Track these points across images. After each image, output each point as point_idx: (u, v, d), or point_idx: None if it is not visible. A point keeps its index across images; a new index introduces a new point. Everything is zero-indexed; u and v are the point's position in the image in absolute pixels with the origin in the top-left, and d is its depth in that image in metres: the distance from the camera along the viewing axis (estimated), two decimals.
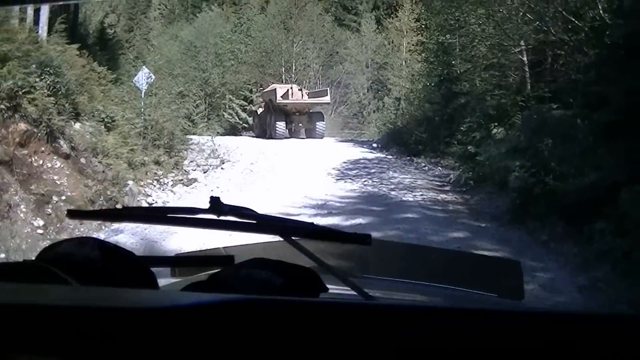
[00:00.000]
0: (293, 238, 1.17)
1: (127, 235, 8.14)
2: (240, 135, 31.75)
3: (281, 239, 1.18)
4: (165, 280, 1.27)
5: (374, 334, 0.66)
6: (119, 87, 15.90)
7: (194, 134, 21.26)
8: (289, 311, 0.70)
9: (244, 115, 35.10)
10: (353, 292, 1.10)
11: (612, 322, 0.69)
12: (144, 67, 16.80)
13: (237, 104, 35.90)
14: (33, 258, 1.02)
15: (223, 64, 38.84)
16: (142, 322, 0.64)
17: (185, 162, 16.24)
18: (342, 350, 0.65)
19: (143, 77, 15.44)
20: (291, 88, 27.33)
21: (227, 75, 38.52)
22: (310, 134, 27.31)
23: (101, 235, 8.08)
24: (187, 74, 37.54)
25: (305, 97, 27.69)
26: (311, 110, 27.83)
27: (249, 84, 37.14)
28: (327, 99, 27.75)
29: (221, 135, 26.90)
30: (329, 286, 1.03)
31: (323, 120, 27.96)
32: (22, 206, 8.64)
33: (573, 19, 11.12)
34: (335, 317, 0.69)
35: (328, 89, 29.51)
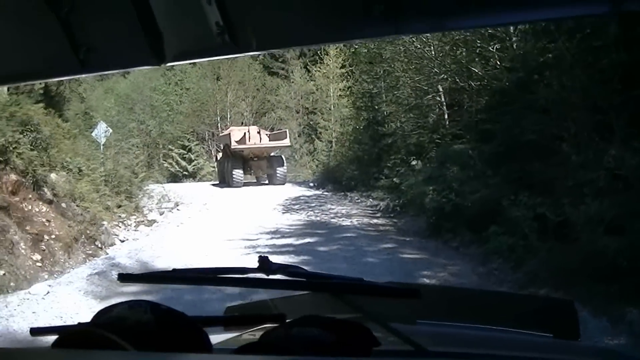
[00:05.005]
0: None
1: (124, 258, 9.78)
2: (182, 182, 32.67)
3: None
4: (217, 336, 1.30)
5: None
6: (79, 141, 17.30)
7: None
8: None
9: (183, 163, 36.16)
10: (407, 346, 1.11)
11: None
12: (101, 122, 18.33)
13: (177, 153, 36.88)
14: (88, 320, 1.07)
15: (159, 115, 39.97)
16: None
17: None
18: None
19: (101, 131, 17.07)
20: (248, 131, 25.65)
21: (165, 126, 39.71)
22: (271, 179, 25.72)
23: (98, 262, 9.69)
24: (125, 126, 38.64)
25: (266, 139, 25.90)
26: (271, 154, 26.13)
27: (187, 133, 38.36)
28: (286, 141, 25.70)
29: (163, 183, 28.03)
30: (381, 337, 1.05)
31: (284, 165, 26.01)
32: (22, 244, 10.13)
33: (473, 69, 13.30)
34: None
35: (287, 130, 27.82)
